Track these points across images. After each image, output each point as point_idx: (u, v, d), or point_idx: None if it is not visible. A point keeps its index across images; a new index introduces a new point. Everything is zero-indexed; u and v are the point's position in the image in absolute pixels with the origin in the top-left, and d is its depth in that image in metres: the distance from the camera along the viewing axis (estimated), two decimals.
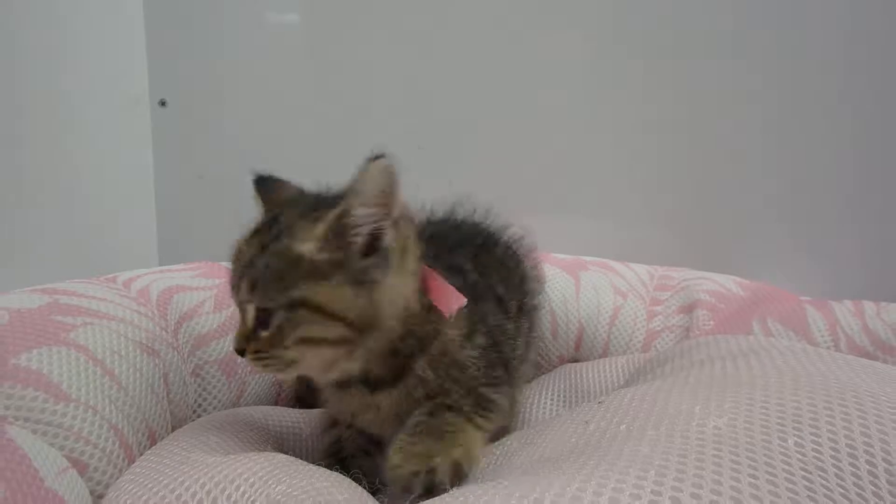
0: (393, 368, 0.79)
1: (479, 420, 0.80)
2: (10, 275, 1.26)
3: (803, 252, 1.77)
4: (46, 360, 0.73)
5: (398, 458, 0.72)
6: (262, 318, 0.72)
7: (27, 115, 1.34)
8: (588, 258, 1.54)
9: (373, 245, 0.72)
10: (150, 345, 0.89)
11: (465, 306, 0.80)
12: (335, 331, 0.72)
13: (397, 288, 0.74)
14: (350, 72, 1.77)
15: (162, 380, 0.89)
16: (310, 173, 1.79)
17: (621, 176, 1.82)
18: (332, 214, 0.71)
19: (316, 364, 0.76)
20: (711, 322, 1.31)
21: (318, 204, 0.76)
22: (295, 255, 0.71)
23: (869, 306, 1.27)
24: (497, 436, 0.89)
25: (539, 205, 1.78)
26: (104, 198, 1.57)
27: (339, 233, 0.71)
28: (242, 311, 0.75)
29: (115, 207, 1.62)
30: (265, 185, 0.84)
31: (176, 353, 0.95)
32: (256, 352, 0.73)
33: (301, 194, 0.85)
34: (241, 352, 0.74)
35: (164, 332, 0.95)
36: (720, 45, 1.71)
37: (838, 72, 1.67)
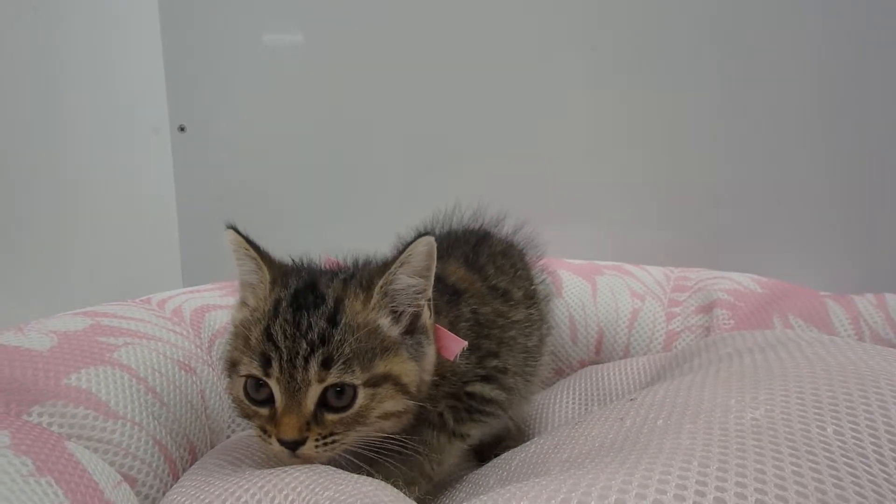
0: None
1: (465, 427, 0.84)
2: (47, 298, 1.29)
3: (821, 250, 1.78)
4: (94, 379, 0.75)
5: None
6: (329, 398, 0.69)
7: (58, 146, 1.39)
8: (602, 262, 1.56)
9: (413, 322, 0.75)
10: (187, 362, 0.92)
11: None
12: (402, 403, 0.72)
13: (432, 356, 0.77)
14: (360, 90, 1.80)
15: (199, 396, 0.91)
16: (325, 190, 1.83)
17: (632, 180, 1.83)
18: (381, 280, 0.72)
19: (369, 437, 0.73)
20: (732, 321, 1.31)
21: (352, 273, 0.77)
22: (375, 327, 0.71)
23: (892, 298, 1.26)
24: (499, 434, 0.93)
25: (550, 213, 1.79)
26: (130, 222, 1.61)
27: (386, 300, 0.73)
28: (294, 393, 0.68)
29: (140, 231, 1.66)
30: (245, 237, 0.77)
31: (211, 370, 0.97)
32: (324, 436, 0.69)
33: (304, 263, 0.84)
34: (296, 443, 0.69)
35: (198, 350, 0.97)
36: (727, 45, 1.73)
37: (867, 63, 1.68)
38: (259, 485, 0.66)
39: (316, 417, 0.69)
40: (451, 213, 1.09)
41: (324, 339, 0.68)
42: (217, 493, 0.67)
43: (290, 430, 0.68)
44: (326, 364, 0.68)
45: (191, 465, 0.83)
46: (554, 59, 1.78)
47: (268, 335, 0.69)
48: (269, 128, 1.83)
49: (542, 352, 1.02)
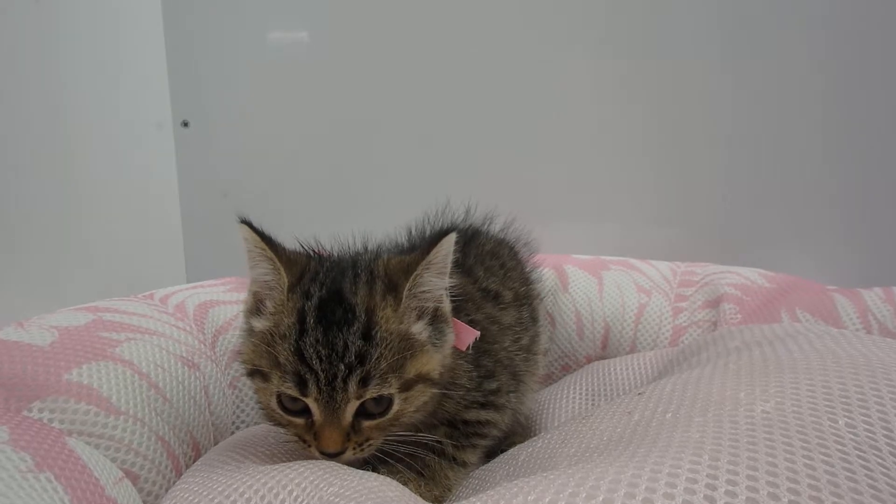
0: None
1: (465, 454, 0.84)
2: (49, 293, 1.29)
3: (827, 244, 1.77)
4: (96, 374, 0.74)
5: None
6: (367, 406, 0.70)
7: (61, 141, 1.39)
8: (609, 258, 1.55)
9: (434, 311, 0.75)
10: (190, 358, 0.91)
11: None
12: (430, 393, 0.74)
13: (452, 339, 0.77)
14: (363, 88, 1.80)
15: (203, 392, 0.91)
16: (328, 186, 1.82)
17: (638, 176, 1.83)
18: (409, 283, 0.71)
19: (399, 430, 0.74)
20: (739, 315, 1.30)
21: (369, 269, 0.74)
22: (406, 333, 0.71)
23: None
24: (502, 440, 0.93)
25: (556, 210, 1.79)
26: (134, 218, 1.61)
27: (414, 302, 0.72)
28: (334, 410, 0.69)
29: (144, 226, 1.65)
30: (261, 234, 0.74)
31: (215, 365, 0.97)
32: (360, 443, 0.72)
33: (321, 259, 0.79)
34: (337, 453, 0.71)
35: (202, 346, 0.96)
36: (733, 42, 1.72)
37: (870, 60, 1.67)
38: (263, 481, 0.66)
39: (354, 427, 0.71)
40: (444, 210, 1.08)
41: (361, 359, 0.68)
42: (221, 489, 0.66)
43: (332, 444, 0.70)
44: (365, 382, 0.68)
45: (194, 462, 0.83)
46: (560, 56, 1.77)
47: (300, 355, 0.68)
48: (271, 124, 1.83)
49: (535, 351, 1.01)
